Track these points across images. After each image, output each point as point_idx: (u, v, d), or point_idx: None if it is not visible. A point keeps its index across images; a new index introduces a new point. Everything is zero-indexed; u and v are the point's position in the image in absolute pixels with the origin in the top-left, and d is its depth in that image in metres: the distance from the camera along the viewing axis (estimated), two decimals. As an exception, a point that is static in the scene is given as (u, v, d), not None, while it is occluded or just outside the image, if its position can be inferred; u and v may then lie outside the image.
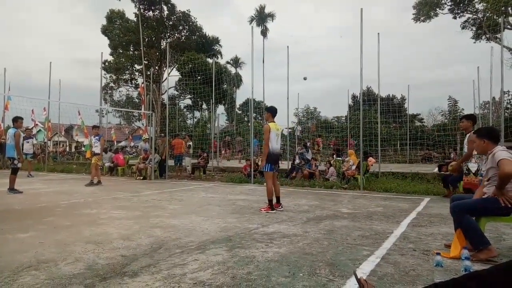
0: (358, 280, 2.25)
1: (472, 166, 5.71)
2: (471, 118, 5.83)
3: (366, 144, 14.12)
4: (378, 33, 11.95)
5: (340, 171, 11.18)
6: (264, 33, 44.62)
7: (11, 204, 6.65)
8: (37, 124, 20.06)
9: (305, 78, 13.88)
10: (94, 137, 10.98)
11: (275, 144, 6.13)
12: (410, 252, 3.56)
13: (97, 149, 10.73)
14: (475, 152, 5.72)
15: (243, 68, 48.13)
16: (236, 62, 48.07)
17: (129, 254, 3.43)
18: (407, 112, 22.74)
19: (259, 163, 10.53)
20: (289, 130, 16.52)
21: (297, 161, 12.83)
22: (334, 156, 14.02)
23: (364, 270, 2.99)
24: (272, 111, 6.35)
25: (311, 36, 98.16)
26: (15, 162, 8.40)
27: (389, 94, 30.49)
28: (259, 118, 34.95)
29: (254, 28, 33.60)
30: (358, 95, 21.79)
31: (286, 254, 3.47)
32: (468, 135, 5.79)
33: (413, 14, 25.47)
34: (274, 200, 6.16)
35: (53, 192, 8.82)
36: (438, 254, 2.84)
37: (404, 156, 19.69)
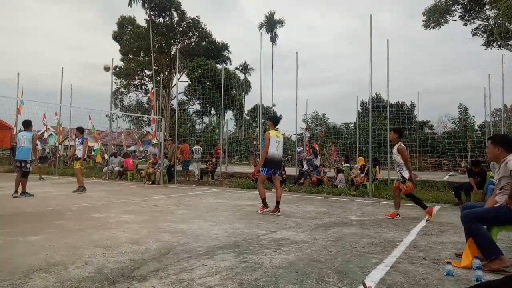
0: None
1: (405, 173, 6.09)
2: (397, 131, 6.37)
3: (375, 151, 14.01)
4: (388, 40, 11.92)
5: (349, 178, 11.12)
6: (273, 39, 44.93)
7: (21, 207, 6.74)
8: (48, 128, 20.38)
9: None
10: (78, 139, 9.99)
11: (274, 150, 6.50)
12: (420, 261, 3.52)
13: (79, 153, 9.75)
14: (401, 160, 6.06)
15: (252, 74, 48.45)
16: (245, 68, 48.42)
17: (137, 258, 3.45)
18: (416, 119, 22.56)
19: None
20: (298, 136, 16.51)
21: (305, 167, 12.79)
22: (343, 163, 13.95)
23: (373, 278, 2.96)
24: (274, 120, 6.92)
25: (319, 42, 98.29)
26: (27, 165, 8.51)
27: (398, 101, 30.23)
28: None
29: (263, 34, 33.75)
30: (367, 102, 21.70)
31: (294, 260, 3.46)
32: (395, 146, 6.19)
33: (423, 21, 25.32)
34: (273, 205, 6.49)
35: (63, 195, 8.92)
36: (448, 263, 2.81)
37: (414, 164, 19.49)
